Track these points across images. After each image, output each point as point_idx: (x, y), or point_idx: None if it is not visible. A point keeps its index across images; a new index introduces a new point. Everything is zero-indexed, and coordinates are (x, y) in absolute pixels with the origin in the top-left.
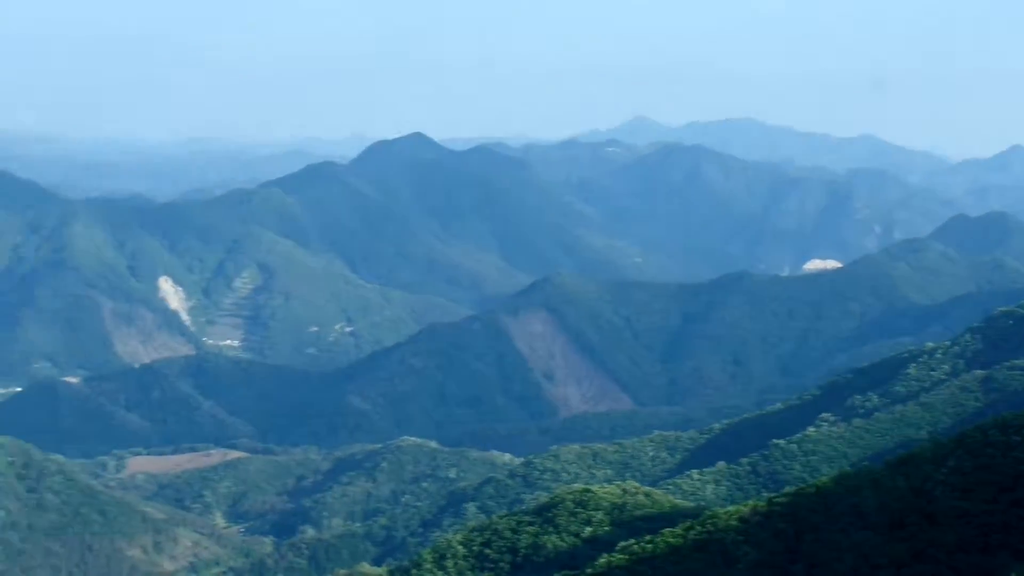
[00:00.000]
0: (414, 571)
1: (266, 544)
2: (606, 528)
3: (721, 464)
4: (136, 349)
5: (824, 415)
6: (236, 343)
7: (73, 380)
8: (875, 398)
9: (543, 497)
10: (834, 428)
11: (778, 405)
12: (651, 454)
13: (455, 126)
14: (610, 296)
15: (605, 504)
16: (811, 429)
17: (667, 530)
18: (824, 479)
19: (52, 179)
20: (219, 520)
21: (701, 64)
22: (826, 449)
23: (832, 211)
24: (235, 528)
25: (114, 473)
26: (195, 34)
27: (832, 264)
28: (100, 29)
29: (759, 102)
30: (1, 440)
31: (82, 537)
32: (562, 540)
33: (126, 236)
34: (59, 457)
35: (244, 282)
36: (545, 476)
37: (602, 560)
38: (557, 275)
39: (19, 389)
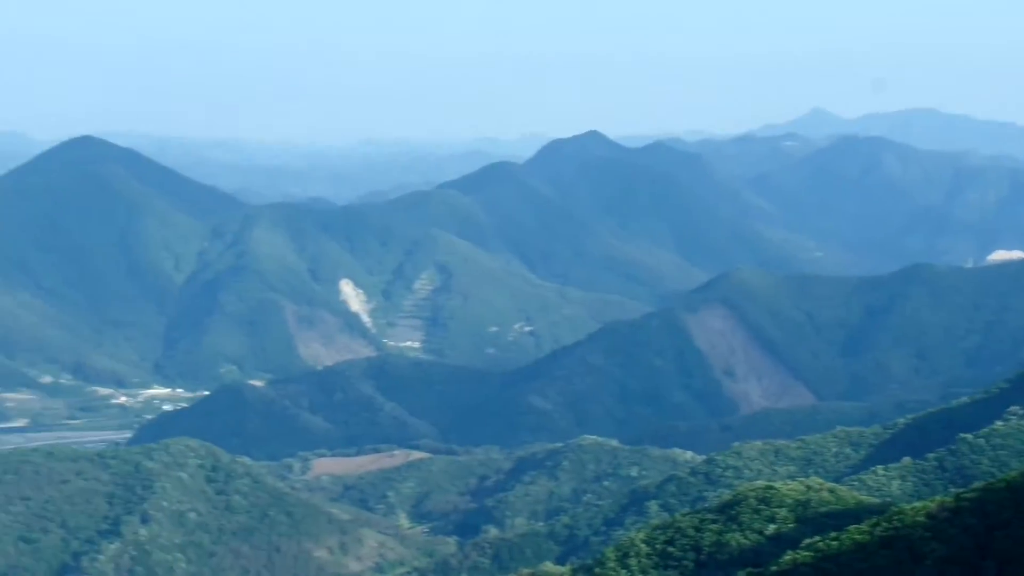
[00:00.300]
0: (597, 570)
1: (450, 544)
2: (790, 525)
3: (907, 459)
4: (318, 352)
5: (1013, 408)
6: (416, 344)
7: (258, 383)
8: None
9: (726, 495)
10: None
11: (964, 399)
12: (834, 450)
13: (630, 123)
14: (789, 290)
15: (789, 501)
16: (999, 423)
17: (853, 527)
18: (1014, 473)
19: (233, 185)
20: (403, 520)
21: (878, 54)
22: (1015, 443)
23: (1016, 201)
24: (419, 528)
25: (299, 475)
26: (371, 37)
27: (1018, 255)
28: (277, 35)
29: (938, 91)
30: (190, 443)
31: (270, 538)
32: (746, 538)
33: (306, 240)
34: (246, 459)
35: (423, 283)
36: (727, 473)
37: (787, 557)
38: (735, 270)
39: (206, 393)
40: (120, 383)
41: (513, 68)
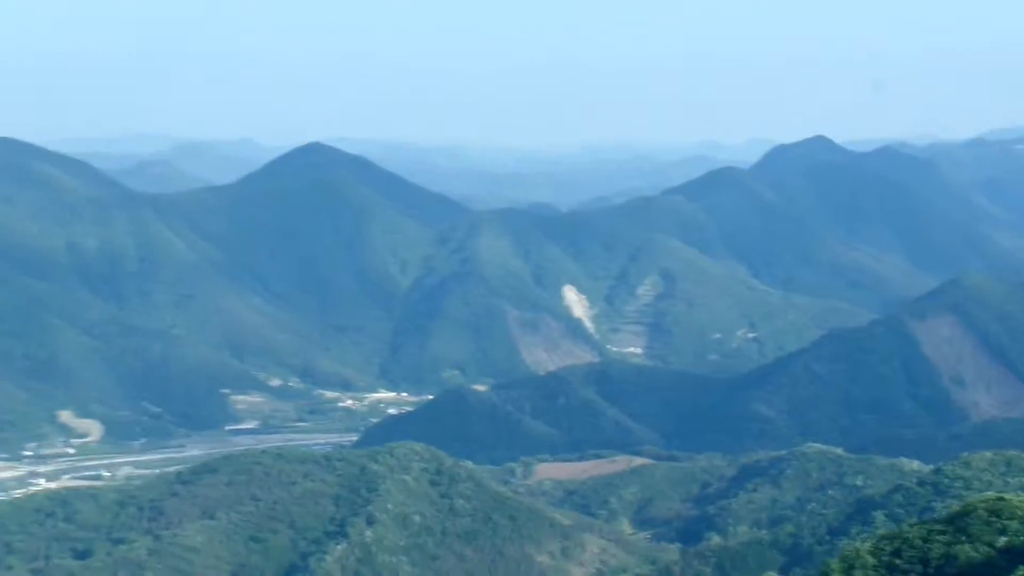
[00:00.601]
0: None
1: (672, 551)
2: (1022, 538)
3: None
4: (541, 357)
5: None
6: (639, 350)
7: (481, 388)
8: None
9: (954, 505)
10: None
11: None
12: None
13: (858, 128)
14: (1021, 298)
15: (1021, 513)
16: None
17: None
18: None
19: (456, 190)
20: (625, 526)
21: None
22: None
23: None
24: (641, 535)
25: (521, 479)
26: (597, 43)
27: None
28: (501, 45)
29: None
30: (415, 447)
31: (493, 542)
32: (976, 551)
33: (530, 245)
34: (469, 463)
35: (646, 289)
36: (956, 484)
37: (1021, 572)
38: (964, 276)
39: (431, 397)
40: (346, 386)
41: (737, 72)
